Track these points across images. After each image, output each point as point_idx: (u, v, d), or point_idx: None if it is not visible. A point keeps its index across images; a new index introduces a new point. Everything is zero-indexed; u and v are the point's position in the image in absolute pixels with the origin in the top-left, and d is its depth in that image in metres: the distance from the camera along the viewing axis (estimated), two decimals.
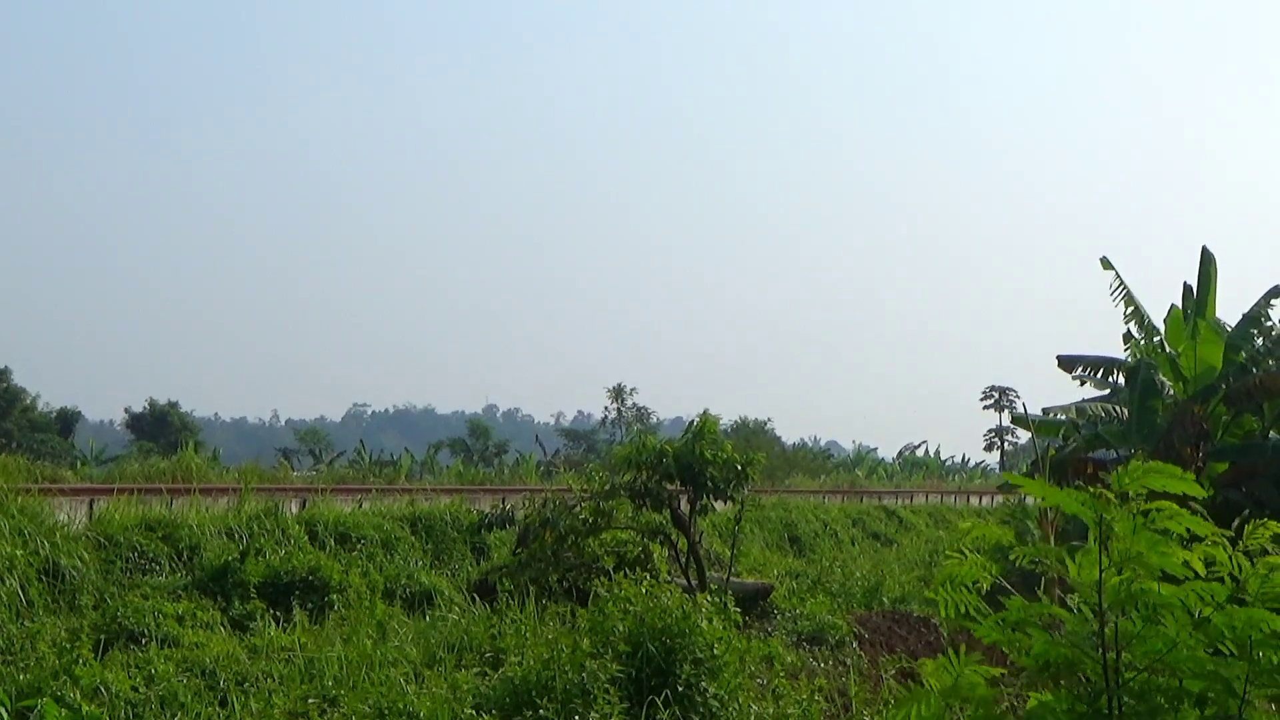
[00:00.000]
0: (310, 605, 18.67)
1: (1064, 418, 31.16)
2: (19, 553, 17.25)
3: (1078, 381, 30.15)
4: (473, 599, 19.39)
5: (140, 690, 13.65)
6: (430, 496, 28.91)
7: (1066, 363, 30.04)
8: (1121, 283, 29.27)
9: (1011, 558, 6.64)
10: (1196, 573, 5.96)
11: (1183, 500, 5.99)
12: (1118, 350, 30.67)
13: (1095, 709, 5.99)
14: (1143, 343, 29.69)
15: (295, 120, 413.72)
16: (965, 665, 6.61)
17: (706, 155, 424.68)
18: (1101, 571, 5.95)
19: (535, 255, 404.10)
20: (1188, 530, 5.99)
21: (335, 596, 19.11)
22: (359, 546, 22.41)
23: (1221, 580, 6.03)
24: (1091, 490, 5.96)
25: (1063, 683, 6.27)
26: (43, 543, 17.91)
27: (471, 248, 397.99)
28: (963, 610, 6.63)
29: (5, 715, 11.98)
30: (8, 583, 16.68)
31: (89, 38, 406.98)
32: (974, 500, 58.69)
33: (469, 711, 12.26)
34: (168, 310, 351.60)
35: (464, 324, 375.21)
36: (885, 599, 25.75)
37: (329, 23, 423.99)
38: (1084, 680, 6.15)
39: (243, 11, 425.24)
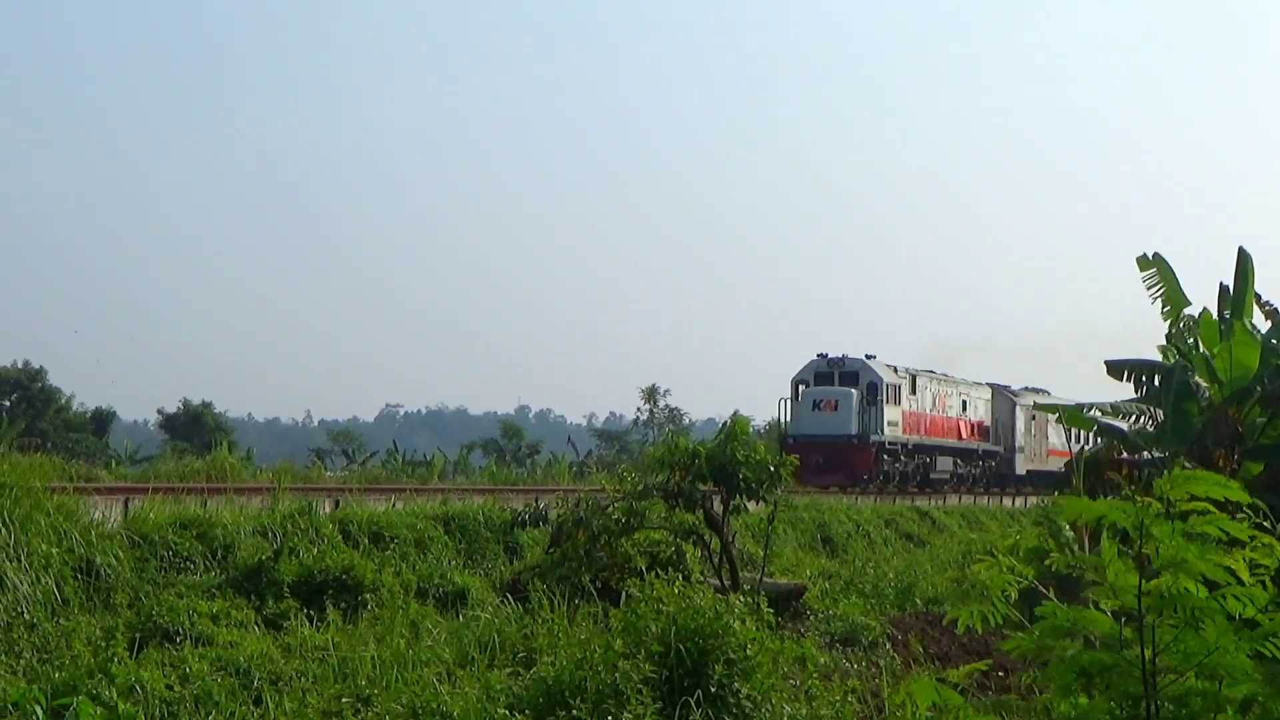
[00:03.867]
0: (344, 604, 18.70)
1: (1097, 415, 31.08)
2: (54, 551, 17.33)
3: (1130, 387, 30.00)
4: (505, 598, 19.41)
5: (175, 689, 13.71)
6: (463, 496, 28.91)
7: (1115, 369, 29.93)
8: (1159, 281, 29.12)
9: (1047, 563, 6.65)
10: (1239, 578, 5.96)
11: (1223, 504, 5.99)
12: (1148, 351, 30.58)
13: (1134, 714, 5.98)
14: (1178, 344, 29.56)
15: (321, 120, 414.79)
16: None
17: (738, 154, 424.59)
18: (1142, 578, 5.95)
19: (568, 256, 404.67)
20: (1225, 533, 6.00)
21: (368, 596, 19.14)
22: (392, 546, 22.43)
23: (1263, 584, 6.02)
24: (1135, 496, 5.98)
25: (1100, 689, 6.27)
26: (78, 541, 17.98)
27: (504, 249, 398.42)
28: (990, 623, 6.69)
29: (41, 713, 12.08)
30: (43, 581, 16.76)
31: (110, 34, 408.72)
32: (1006, 501, 58.44)
33: (502, 711, 12.28)
34: (201, 311, 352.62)
35: (497, 325, 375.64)
36: (918, 600, 25.72)
37: (358, 21, 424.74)
38: (1118, 685, 6.14)
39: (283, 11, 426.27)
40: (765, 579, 20.90)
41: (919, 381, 59.32)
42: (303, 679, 14.60)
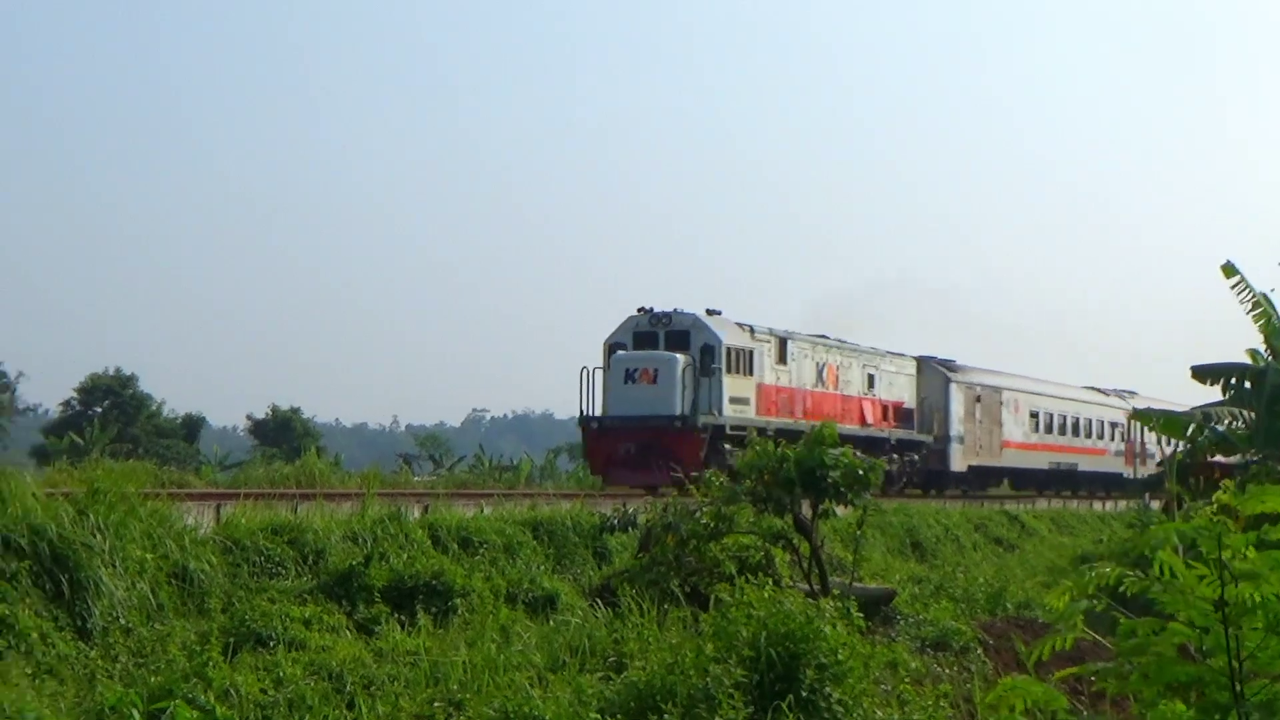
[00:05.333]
0: (434, 609, 18.79)
1: (1190, 422, 30.90)
2: (149, 556, 17.50)
3: (1219, 390, 29.81)
4: (595, 603, 19.45)
5: (269, 692, 13.87)
6: (551, 501, 28.95)
7: (1200, 373, 29.75)
8: (1248, 286, 28.94)
9: (1122, 589, 6.64)
10: None
11: None
12: (1237, 357, 30.39)
13: None
14: (1269, 347, 29.35)
15: (414, 124, 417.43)
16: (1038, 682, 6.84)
17: (778, 158, 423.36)
18: (1224, 588, 5.98)
19: (640, 262, 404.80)
20: None
21: (459, 600, 19.22)
22: (481, 551, 22.51)
23: None
24: (1213, 512, 6.04)
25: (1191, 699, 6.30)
26: (172, 547, 18.17)
27: (589, 252, 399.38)
28: (1057, 650, 6.77)
29: (138, 716, 12.24)
30: (138, 586, 16.93)
31: (211, 35, 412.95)
32: (1097, 505, 57.90)
33: (594, 715, 12.36)
34: (290, 317, 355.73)
35: (582, 328, 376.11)
36: (1009, 605, 25.55)
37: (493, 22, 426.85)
38: (1207, 694, 6.17)
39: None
40: (855, 584, 20.82)
41: (792, 347, 43.76)
42: (395, 683, 14.72)
